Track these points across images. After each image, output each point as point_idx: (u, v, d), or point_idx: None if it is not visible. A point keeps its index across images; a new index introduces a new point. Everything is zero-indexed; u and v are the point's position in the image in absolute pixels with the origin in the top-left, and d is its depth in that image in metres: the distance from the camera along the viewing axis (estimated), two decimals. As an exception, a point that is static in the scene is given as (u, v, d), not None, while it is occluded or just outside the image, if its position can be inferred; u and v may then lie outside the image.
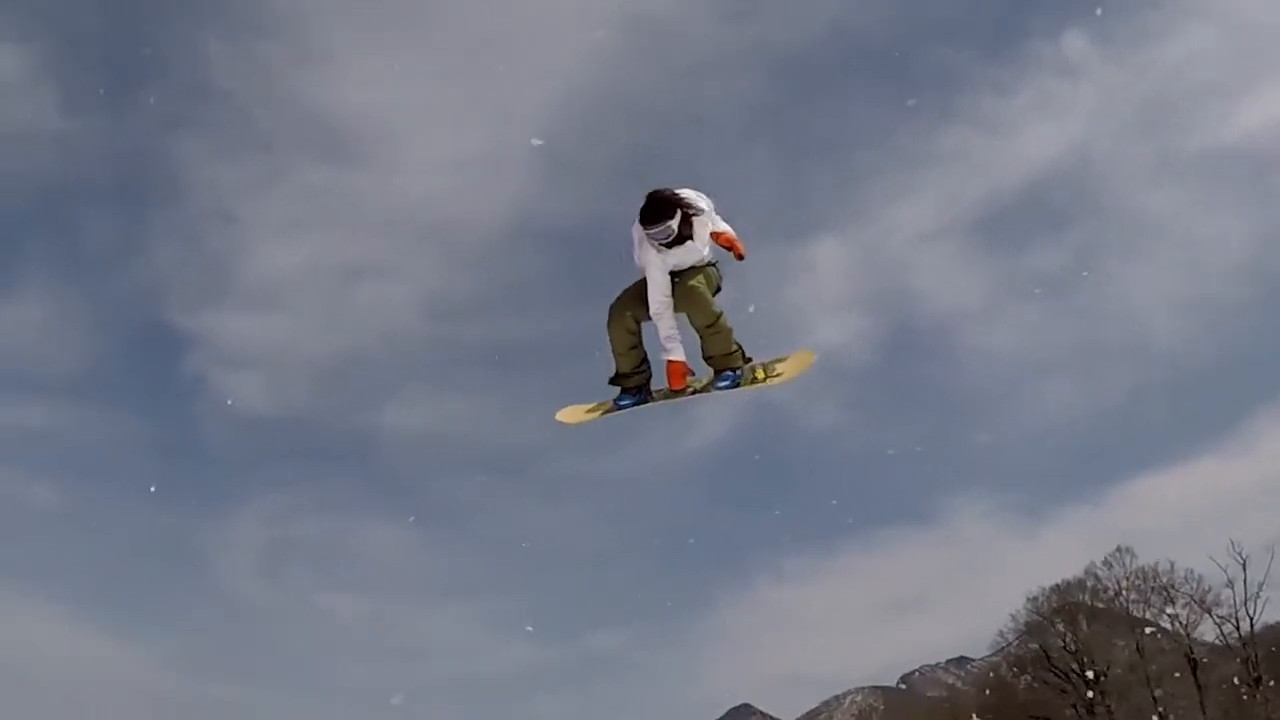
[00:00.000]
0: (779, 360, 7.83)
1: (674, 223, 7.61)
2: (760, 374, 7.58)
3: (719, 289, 8.06)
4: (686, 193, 7.72)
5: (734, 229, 8.01)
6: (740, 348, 7.95)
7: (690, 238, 7.77)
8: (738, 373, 7.87)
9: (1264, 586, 47.02)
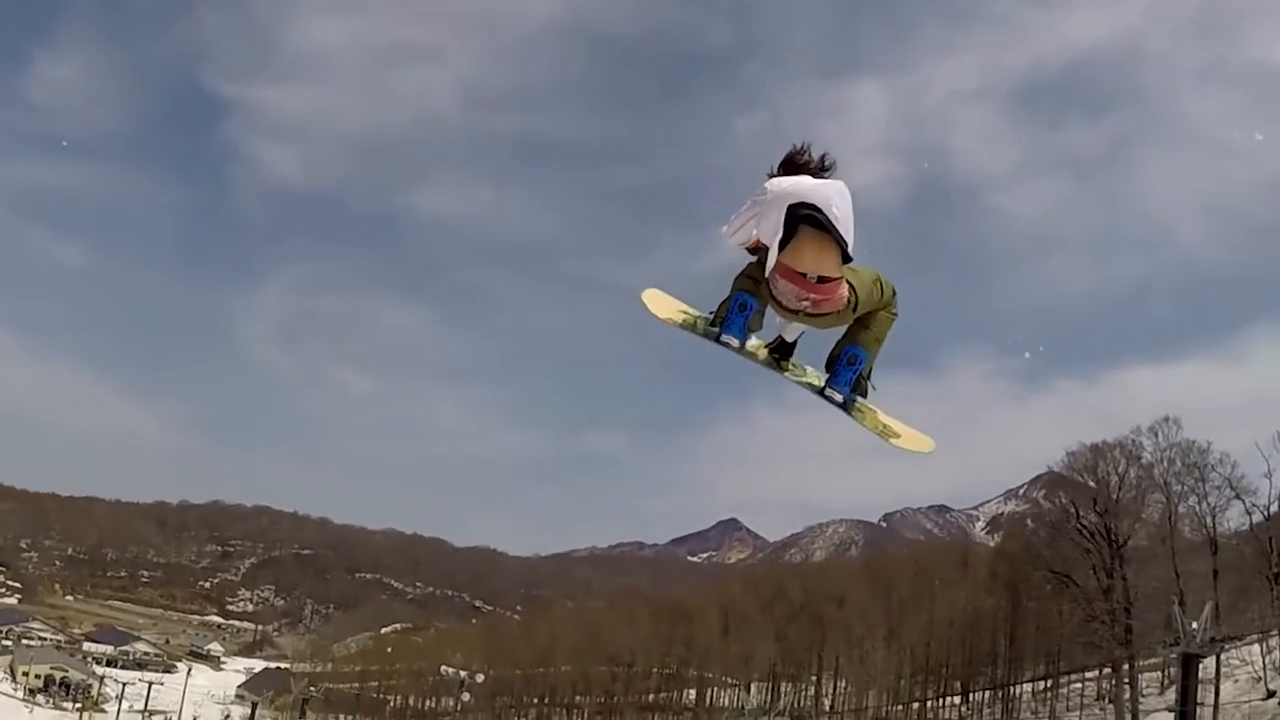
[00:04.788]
0: (898, 424, 6.28)
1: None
2: (878, 423, 5.98)
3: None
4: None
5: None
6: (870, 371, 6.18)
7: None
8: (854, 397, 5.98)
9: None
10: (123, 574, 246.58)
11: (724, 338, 5.76)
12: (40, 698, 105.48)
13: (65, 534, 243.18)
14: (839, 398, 5.77)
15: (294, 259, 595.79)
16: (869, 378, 5.81)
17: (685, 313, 6.29)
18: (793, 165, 5.21)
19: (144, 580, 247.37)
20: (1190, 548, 52.82)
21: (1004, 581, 74.95)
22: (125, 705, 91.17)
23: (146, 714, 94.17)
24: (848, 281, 4.98)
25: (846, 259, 4.88)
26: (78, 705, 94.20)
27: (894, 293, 5.43)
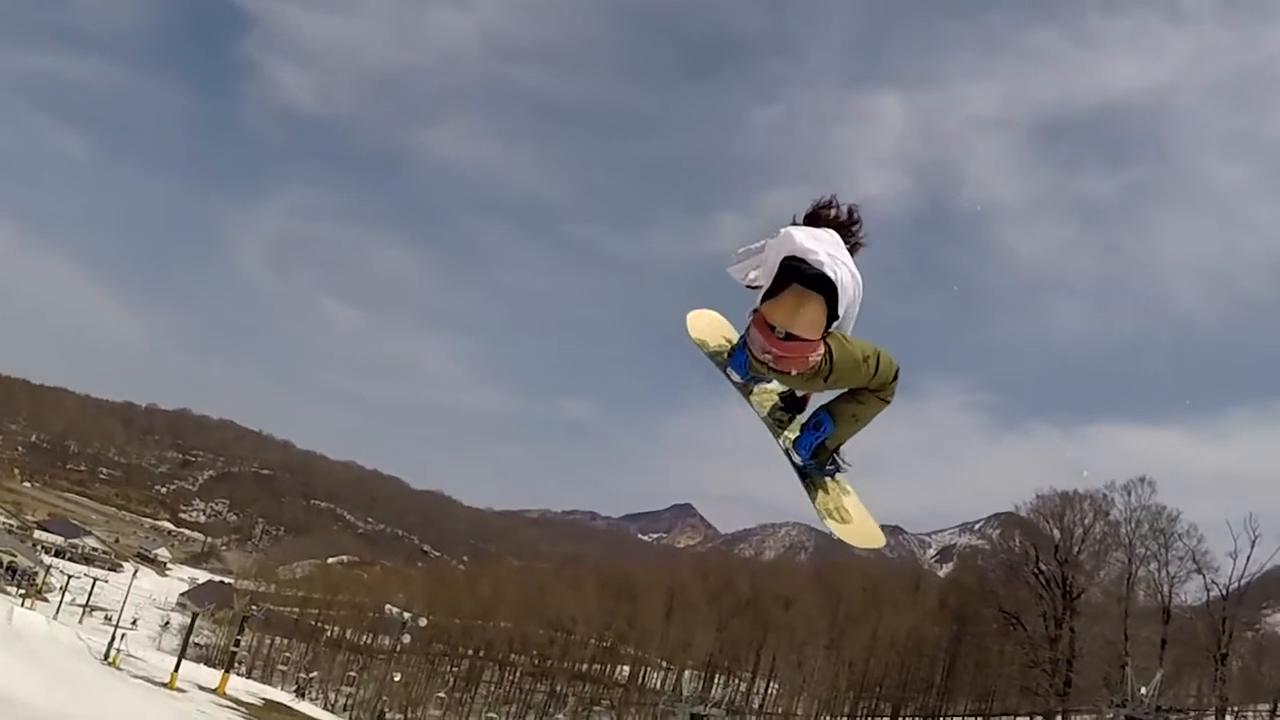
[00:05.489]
0: (856, 510, 5.65)
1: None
2: (828, 504, 5.40)
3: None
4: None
5: None
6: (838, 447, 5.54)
7: None
8: (827, 467, 5.44)
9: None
10: (82, 468, 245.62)
11: (729, 371, 5.40)
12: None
13: (31, 421, 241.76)
14: (797, 461, 5.38)
15: (296, 183, 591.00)
16: (836, 452, 5.32)
17: (724, 338, 5.87)
18: (817, 217, 4.90)
19: (102, 477, 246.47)
20: (1143, 612, 53.49)
21: (952, 612, 75.97)
22: (68, 598, 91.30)
23: (87, 609, 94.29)
24: (829, 348, 4.60)
25: (833, 320, 4.53)
26: (22, 591, 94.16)
27: (892, 378, 4.92)
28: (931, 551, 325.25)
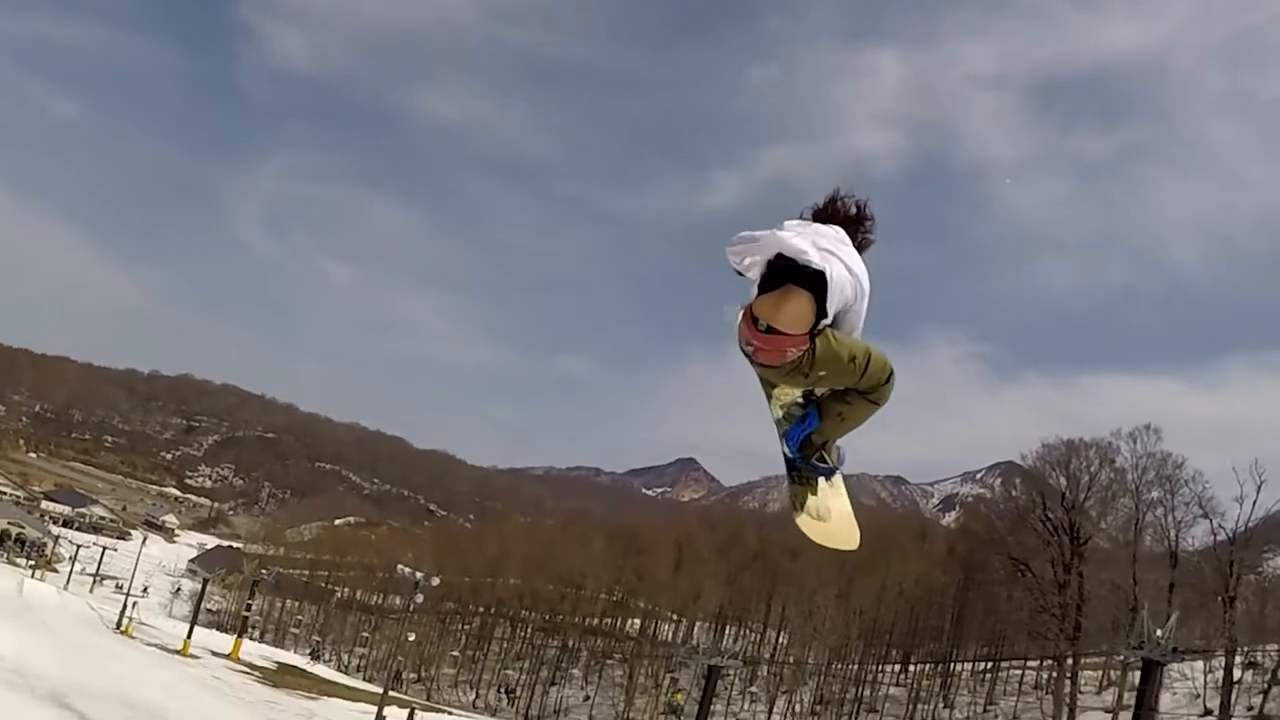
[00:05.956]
0: (839, 511, 5.44)
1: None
2: (807, 499, 5.24)
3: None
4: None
5: None
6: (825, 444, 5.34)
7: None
8: (814, 463, 5.26)
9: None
10: (87, 437, 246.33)
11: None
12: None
13: (35, 391, 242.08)
14: (786, 453, 5.23)
15: (291, 144, 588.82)
16: (825, 449, 5.14)
17: None
18: (824, 212, 4.76)
19: (107, 445, 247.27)
20: (1149, 557, 53.79)
21: (960, 560, 76.29)
22: (78, 567, 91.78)
23: (98, 578, 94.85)
24: (814, 344, 4.39)
25: (821, 318, 4.32)
26: (31, 563, 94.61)
27: (883, 381, 4.68)
28: (934, 501, 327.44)
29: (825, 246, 4.35)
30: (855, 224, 4.69)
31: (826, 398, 4.91)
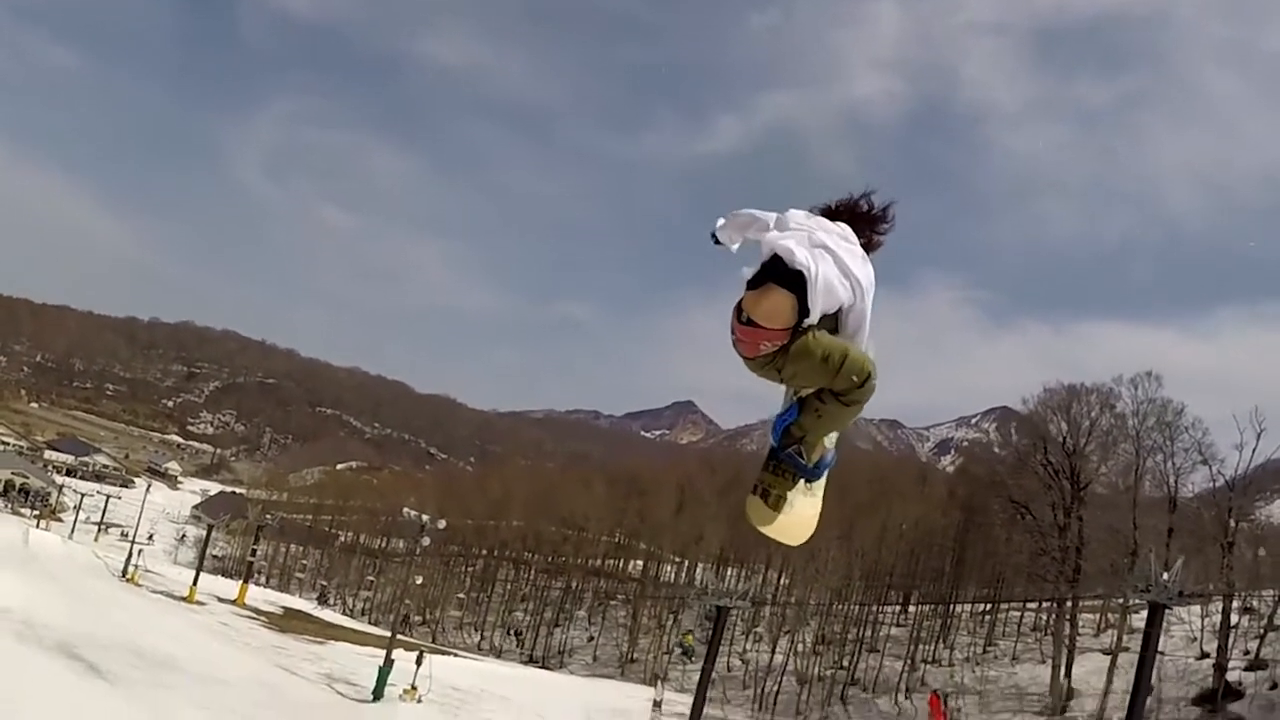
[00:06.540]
0: (806, 508, 5.19)
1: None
2: (773, 484, 4.96)
3: None
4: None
5: None
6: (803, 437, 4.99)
7: None
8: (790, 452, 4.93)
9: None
10: (88, 385, 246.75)
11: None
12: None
13: (35, 340, 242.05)
14: (771, 443, 5.02)
15: (291, 91, 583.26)
16: (803, 443, 4.82)
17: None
18: (836, 209, 4.65)
19: (108, 393, 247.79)
20: (1149, 502, 54.06)
21: (959, 503, 76.75)
22: (82, 516, 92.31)
23: (103, 526, 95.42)
24: (792, 340, 4.32)
25: (803, 317, 4.22)
26: (36, 513, 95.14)
27: (859, 385, 4.40)
28: (929, 445, 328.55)
29: (821, 243, 4.31)
30: (866, 222, 4.64)
31: (811, 393, 4.73)
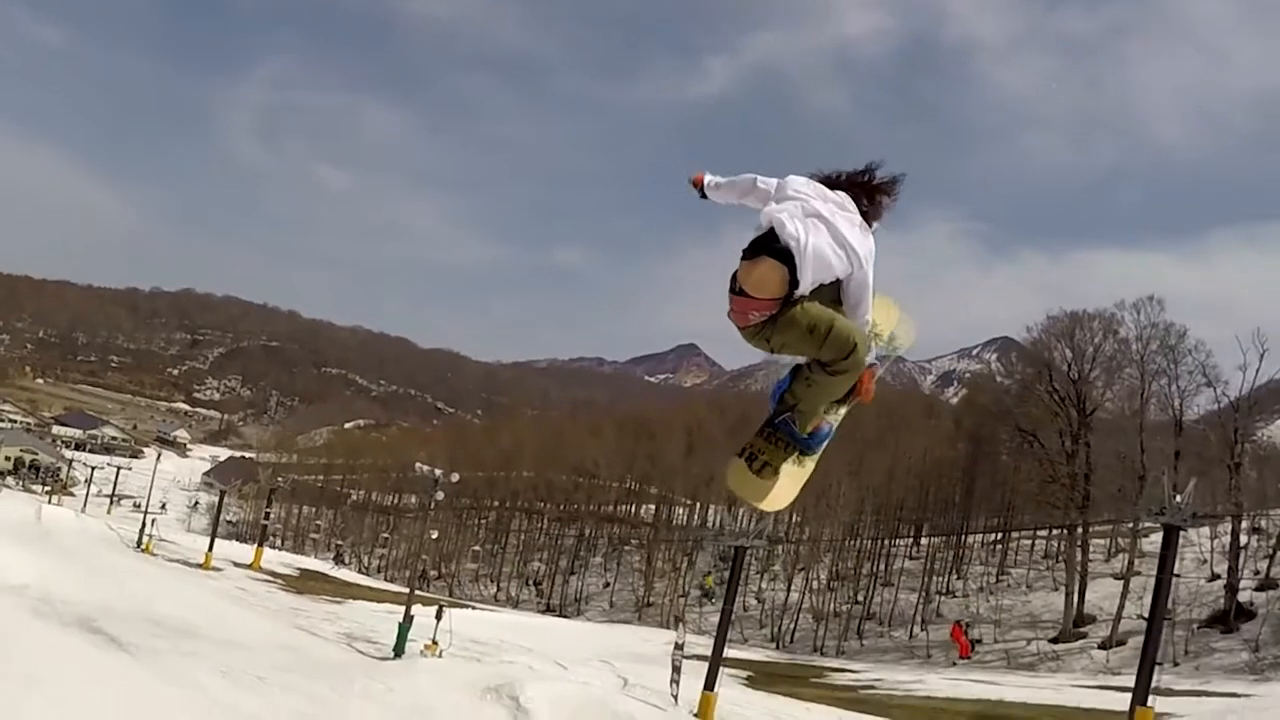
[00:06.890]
0: (788, 476, 5.14)
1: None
2: (765, 449, 5.04)
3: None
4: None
5: None
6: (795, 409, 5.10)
7: None
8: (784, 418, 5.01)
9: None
10: (92, 358, 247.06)
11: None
12: (10, 480, 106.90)
13: (37, 316, 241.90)
14: (770, 409, 5.16)
15: (280, 51, 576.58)
16: (795, 411, 4.94)
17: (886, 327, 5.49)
18: (837, 178, 4.62)
19: (113, 365, 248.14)
20: (1155, 426, 54.16)
21: (967, 434, 76.93)
22: (94, 489, 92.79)
23: (115, 498, 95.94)
24: (782, 311, 4.36)
25: (793, 288, 4.27)
26: (47, 489, 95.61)
27: (844, 356, 4.39)
28: (931, 377, 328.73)
29: (816, 212, 4.35)
30: (866, 192, 4.60)
31: (803, 366, 4.85)
